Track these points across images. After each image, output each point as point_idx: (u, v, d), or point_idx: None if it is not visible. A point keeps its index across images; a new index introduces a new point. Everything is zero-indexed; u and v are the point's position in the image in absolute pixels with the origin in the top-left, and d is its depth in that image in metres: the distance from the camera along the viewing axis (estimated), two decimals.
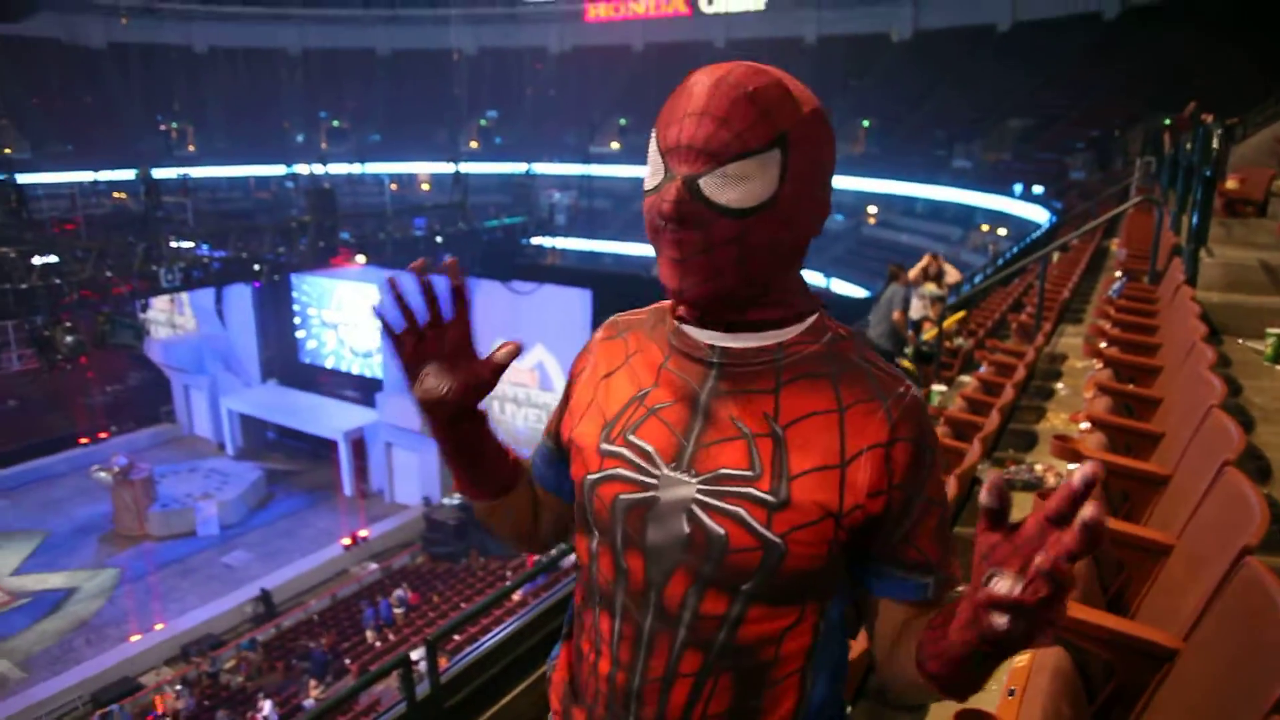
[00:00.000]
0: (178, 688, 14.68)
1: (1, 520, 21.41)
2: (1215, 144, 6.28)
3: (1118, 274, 7.18)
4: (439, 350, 1.03)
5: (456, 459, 1.09)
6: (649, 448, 0.97)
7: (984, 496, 0.75)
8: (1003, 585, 0.73)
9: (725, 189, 0.89)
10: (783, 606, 0.95)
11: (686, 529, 0.94)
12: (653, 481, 0.96)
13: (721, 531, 0.92)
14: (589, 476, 1.01)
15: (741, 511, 0.92)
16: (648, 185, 0.95)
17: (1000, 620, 0.73)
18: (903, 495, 0.93)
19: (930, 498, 0.95)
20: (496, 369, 1.02)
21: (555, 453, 1.13)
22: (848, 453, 0.92)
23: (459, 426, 1.05)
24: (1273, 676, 1.41)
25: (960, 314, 8.42)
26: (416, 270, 1.00)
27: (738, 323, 0.96)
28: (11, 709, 14.36)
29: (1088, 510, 0.67)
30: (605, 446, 1.00)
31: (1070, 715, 1.81)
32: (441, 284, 1.01)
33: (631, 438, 0.99)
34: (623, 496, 0.98)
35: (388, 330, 1.02)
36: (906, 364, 7.28)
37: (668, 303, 1.05)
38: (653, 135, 0.95)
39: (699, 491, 0.94)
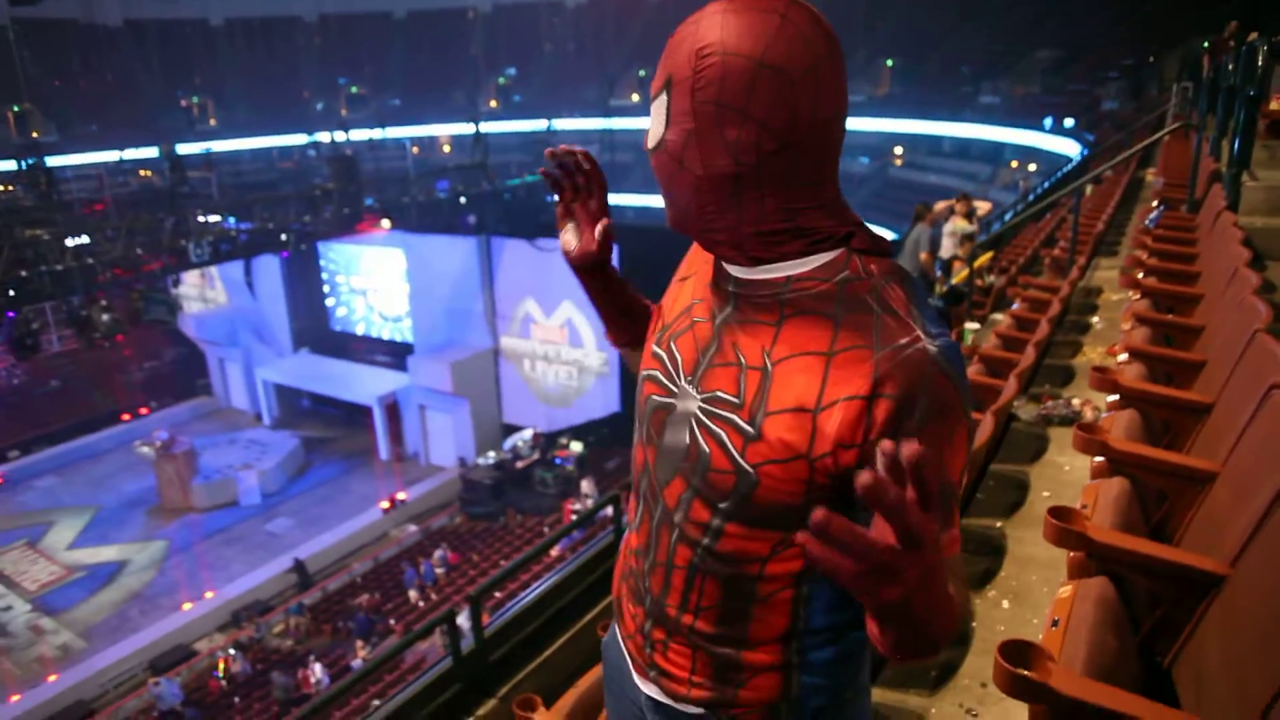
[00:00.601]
0: (231, 651, 15.12)
1: (53, 497, 22.02)
2: (1260, 62, 6.04)
3: (1154, 203, 6.98)
4: (578, 213, 1.23)
5: (593, 302, 1.31)
6: (680, 357, 1.07)
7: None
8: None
9: (650, 132, 1.00)
10: (761, 530, 0.98)
11: (687, 440, 1.02)
12: (674, 389, 1.06)
13: (707, 450, 0.99)
14: (642, 372, 1.14)
15: (724, 435, 0.97)
16: None
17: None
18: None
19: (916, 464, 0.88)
20: (603, 243, 1.22)
21: None
22: (824, 399, 0.90)
23: (588, 277, 1.27)
24: None
25: (989, 254, 8.25)
26: (566, 150, 1.18)
27: (748, 256, 0.99)
28: (77, 677, 14.93)
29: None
30: (655, 348, 1.12)
31: (1115, 645, 1.78)
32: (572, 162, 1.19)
33: (672, 345, 1.09)
34: (653, 397, 1.09)
35: (553, 181, 1.20)
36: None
37: None
38: None
39: (699, 408, 1.01)
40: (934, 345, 0.88)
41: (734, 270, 1.01)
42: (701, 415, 1.00)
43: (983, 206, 8.31)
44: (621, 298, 1.30)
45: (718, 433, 0.97)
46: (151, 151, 27.99)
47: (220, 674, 14.76)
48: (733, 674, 1.06)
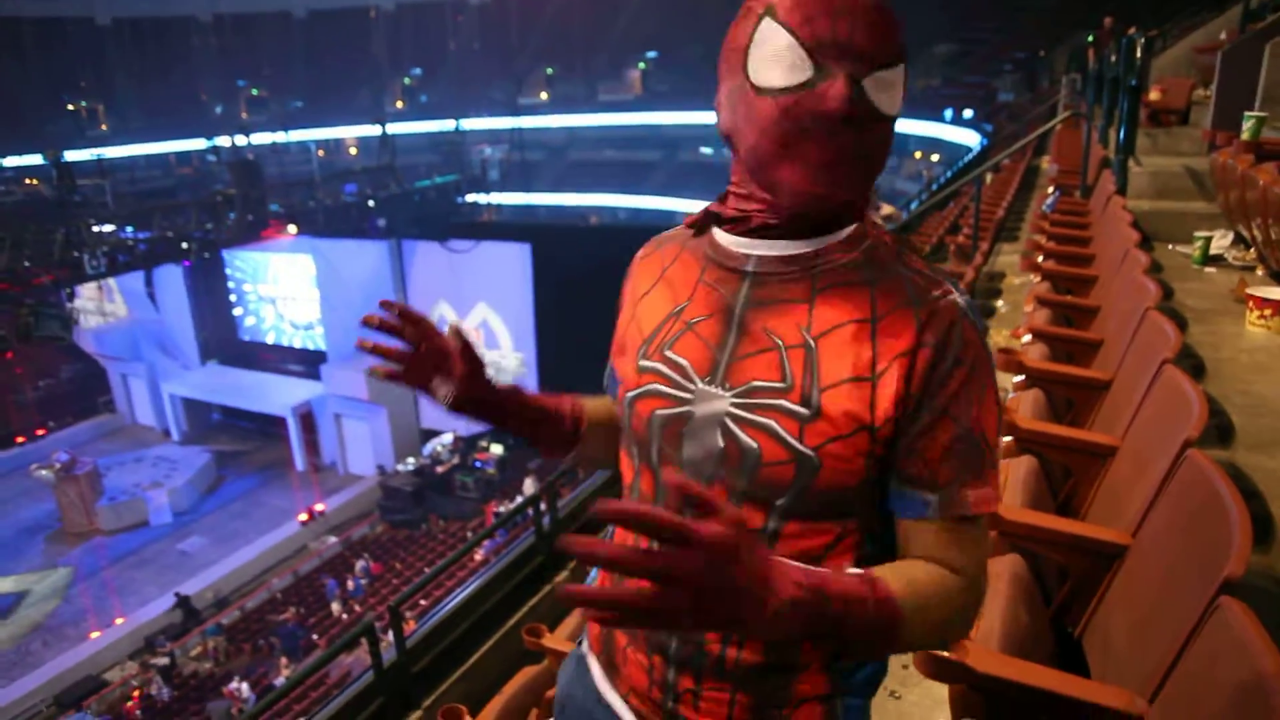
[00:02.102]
0: (154, 679, 14.48)
1: None
2: (1138, 55, 6.33)
3: (1050, 189, 7.25)
4: (432, 363, 1.08)
5: (514, 431, 1.13)
6: (684, 362, 0.98)
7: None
8: None
9: (880, 93, 0.88)
10: (821, 522, 0.93)
11: (720, 443, 0.93)
12: (688, 396, 0.97)
13: (754, 444, 0.91)
14: (628, 394, 1.03)
15: (773, 424, 0.90)
16: (780, 82, 0.87)
17: None
18: (914, 403, 0.89)
19: (947, 410, 0.89)
20: (466, 352, 1.06)
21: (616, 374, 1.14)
22: (879, 364, 0.89)
23: (493, 407, 1.10)
24: (1218, 560, 1.43)
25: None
26: (370, 321, 1.05)
27: (774, 229, 0.94)
28: None
29: None
30: (643, 363, 1.01)
31: (1028, 620, 1.83)
32: (393, 314, 1.06)
33: (668, 353, 0.99)
34: (659, 411, 0.99)
35: (393, 376, 1.07)
36: None
37: (698, 215, 1.04)
38: (770, 30, 0.88)
39: (732, 404, 0.93)
40: (961, 299, 0.91)
41: (754, 250, 0.96)
42: (737, 411, 0.92)
43: (886, 209, 8.48)
44: (536, 406, 1.14)
45: (765, 423, 0.91)
46: (36, 159, 26.65)
47: (137, 695, 14.12)
48: (774, 713, 0.97)
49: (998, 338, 5.16)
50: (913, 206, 13.50)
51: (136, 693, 14.29)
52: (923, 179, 22.58)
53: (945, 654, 1.46)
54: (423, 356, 1.06)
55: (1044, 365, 3.03)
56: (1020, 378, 2.99)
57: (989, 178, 11.33)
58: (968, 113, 24.54)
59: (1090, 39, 13.45)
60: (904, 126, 27.55)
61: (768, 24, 0.88)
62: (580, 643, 1.20)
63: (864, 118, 0.87)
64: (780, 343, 0.92)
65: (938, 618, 0.87)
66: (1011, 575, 1.90)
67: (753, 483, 0.92)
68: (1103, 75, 8.12)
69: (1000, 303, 5.90)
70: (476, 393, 1.08)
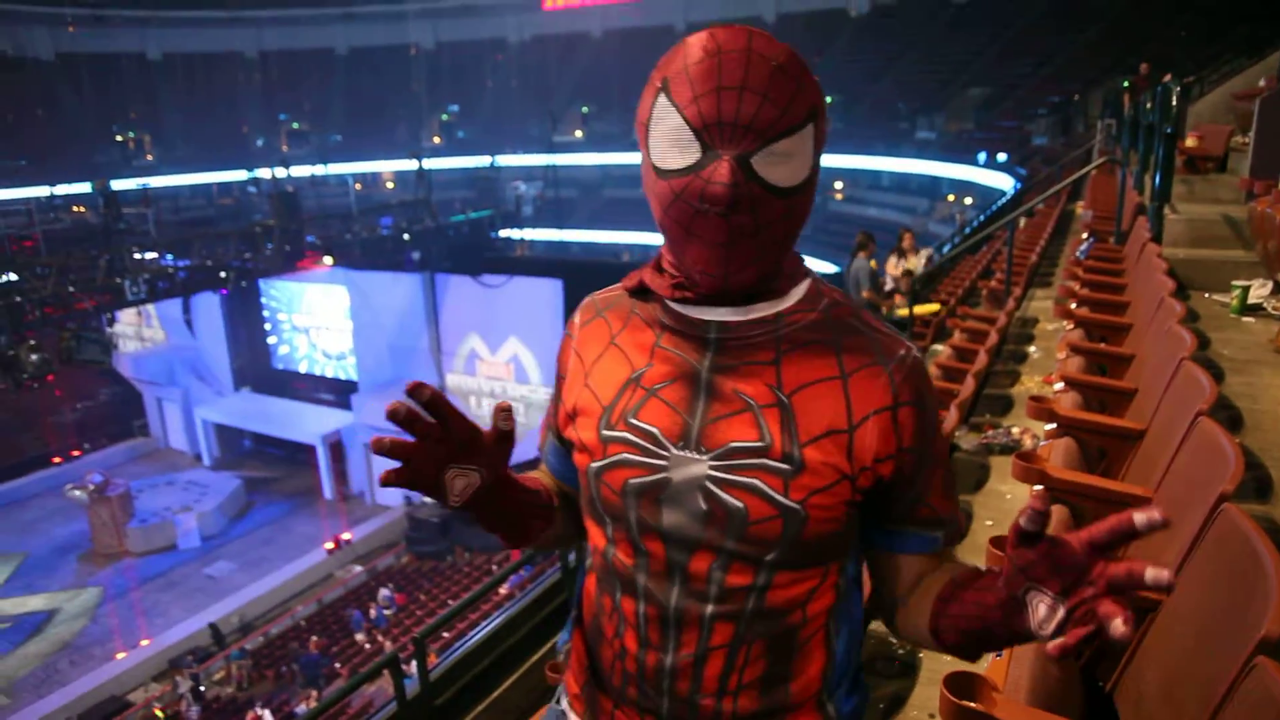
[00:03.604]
0: (185, 697, 14.55)
1: None
2: (1174, 102, 6.31)
3: (1084, 235, 7.21)
4: (450, 452, 0.96)
5: (505, 529, 1.07)
6: (653, 429, 0.96)
7: (1025, 522, 0.76)
8: (1043, 610, 0.77)
9: (773, 168, 0.87)
10: (807, 570, 0.97)
11: (704, 506, 0.93)
12: (662, 463, 0.95)
13: (740, 505, 0.92)
14: (593, 465, 0.99)
15: (758, 482, 0.92)
16: (673, 164, 0.88)
17: (1044, 633, 0.78)
18: (913, 458, 0.95)
19: (936, 456, 0.98)
20: (503, 427, 0.97)
21: (563, 447, 1.11)
22: (854, 417, 0.93)
23: (500, 498, 1.02)
24: (1254, 619, 1.41)
25: (935, 306, 8.31)
26: (396, 414, 0.91)
27: (736, 296, 0.95)
28: None
29: (1163, 575, 0.71)
30: (606, 432, 0.98)
31: (1058, 674, 1.81)
32: (415, 403, 0.93)
33: (633, 420, 0.97)
34: (633, 480, 0.96)
35: (403, 479, 0.95)
36: None
37: (638, 277, 1.02)
38: (663, 109, 0.88)
39: (711, 468, 0.93)
40: (916, 351, 0.98)
41: (716, 316, 0.95)
42: (718, 474, 0.92)
43: (923, 253, 8.43)
44: (523, 491, 1.08)
45: (749, 482, 0.91)
46: (85, 187, 27.39)
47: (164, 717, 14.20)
48: None
49: (1030, 384, 5.12)
50: (945, 250, 13.47)
51: (161, 710, 14.33)
52: (955, 222, 22.50)
53: (973, 705, 1.45)
54: (442, 444, 0.95)
55: (1076, 414, 3.01)
56: (1052, 426, 2.96)
57: (1023, 222, 11.28)
58: (1001, 156, 24.49)
59: (1126, 84, 13.44)
60: (937, 169, 27.62)
61: (662, 100, 0.88)
62: (557, 700, 1.17)
63: (754, 197, 0.86)
64: (753, 402, 0.93)
65: None
66: None
67: (741, 541, 0.93)
68: (1138, 121, 8.09)
69: (1033, 349, 5.86)
70: (499, 481, 1.00)
